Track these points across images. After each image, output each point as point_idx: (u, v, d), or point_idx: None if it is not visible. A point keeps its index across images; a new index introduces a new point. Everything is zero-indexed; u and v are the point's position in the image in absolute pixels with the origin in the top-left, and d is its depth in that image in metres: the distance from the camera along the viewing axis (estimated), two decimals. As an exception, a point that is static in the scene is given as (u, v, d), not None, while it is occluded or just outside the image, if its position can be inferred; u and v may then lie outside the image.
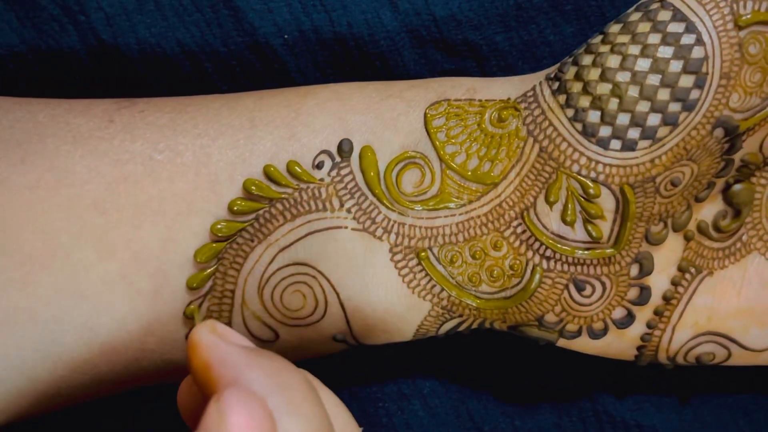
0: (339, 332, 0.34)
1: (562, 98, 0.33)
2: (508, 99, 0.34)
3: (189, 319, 0.33)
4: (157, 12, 0.37)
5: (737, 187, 0.35)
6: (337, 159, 0.33)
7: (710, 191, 0.34)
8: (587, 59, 0.33)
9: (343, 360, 0.39)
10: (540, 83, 0.34)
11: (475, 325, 0.35)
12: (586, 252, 0.33)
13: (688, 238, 0.34)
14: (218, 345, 0.27)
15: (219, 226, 0.33)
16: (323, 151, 0.33)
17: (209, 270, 0.33)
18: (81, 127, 0.34)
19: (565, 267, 0.33)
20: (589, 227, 0.33)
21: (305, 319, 0.34)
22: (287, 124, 0.34)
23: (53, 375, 0.33)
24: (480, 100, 0.34)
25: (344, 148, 0.33)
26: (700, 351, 0.35)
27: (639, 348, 0.35)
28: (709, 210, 0.35)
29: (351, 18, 0.38)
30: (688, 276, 0.35)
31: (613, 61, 0.32)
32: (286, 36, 0.38)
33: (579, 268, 0.33)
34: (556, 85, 0.33)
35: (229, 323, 0.34)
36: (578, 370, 0.41)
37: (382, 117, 0.34)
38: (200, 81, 0.39)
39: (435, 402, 0.41)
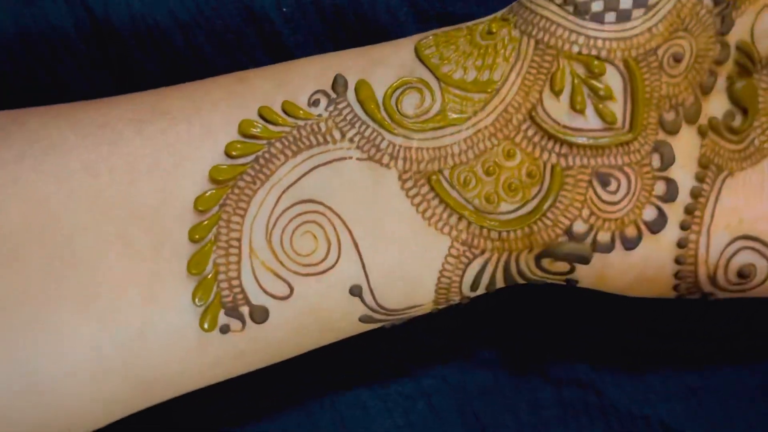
0: (356, 283, 0.32)
1: None
2: (494, 17, 0.34)
3: (193, 277, 0.31)
4: (149, -18, 0.36)
5: (739, 83, 0.34)
6: (333, 95, 0.32)
7: (714, 81, 0.34)
8: None
9: (348, 359, 0.38)
10: None
11: (500, 272, 0.33)
12: (603, 140, 0.32)
13: (702, 133, 0.34)
14: None
15: (218, 170, 0.31)
16: (318, 91, 0.32)
17: (211, 218, 0.31)
18: (64, 108, 0.33)
19: (585, 160, 0.32)
20: (601, 109, 0.32)
21: (319, 264, 0.32)
22: (278, 75, 0.33)
23: (51, 364, 0.31)
24: (467, 26, 0.34)
25: (339, 83, 0.32)
26: (741, 261, 0.34)
27: (677, 260, 0.34)
28: (718, 109, 0.34)
29: (352, -9, 0.37)
30: (710, 174, 0.34)
31: None
32: (284, 9, 0.37)
33: (599, 160, 0.32)
34: None
35: (237, 277, 0.31)
36: (584, 362, 0.40)
37: (372, 58, 0.33)
38: (193, 55, 0.37)
39: (439, 401, 0.40)
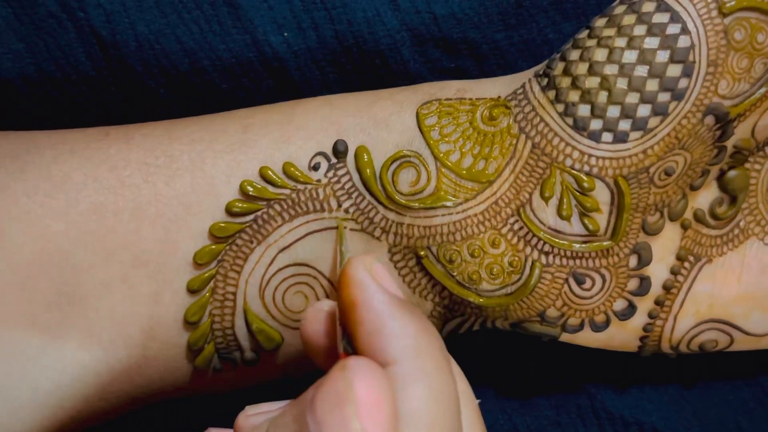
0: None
1: (551, 94, 0.33)
2: (498, 97, 0.34)
3: (190, 325, 0.33)
4: (156, 9, 0.37)
5: (732, 173, 0.35)
6: (333, 160, 0.33)
7: (705, 179, 0.34)
8: (574, 54, 0.33)
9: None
10: (529, 80, 0.34)
11: (476, 326, 0.35)
12: (584, 245, 0.33)
13: (685, 227, 0.35)
14: (369, 287, 0.27)
15: (218, 227, 0.33)
16: (319, 153, 0.33)
17: (209, 272, 0.33)
18: (78, 141, 0.34)
19: (564, 261, 0.33)
20: (586, 221, 0.33)
21: None
22: (281, 128, 0.34)
23: (54, 384, 0.33)
24: (470, 99, 0.34)
25: (339, 149, 0.33)
26: (703, 339, 0.35)
27: (642, 338, 0.35)
28: (705, 197, 0.35)
29: (351, 16, 0.38)
30: (687, 264, 0.35)
31: (600, 54, 0.32)
32: (285, 33, 0.38)
33: (578, 261, 0.33)
34: (545, 81, 0.33)
35: (231, 327, 0.33)
36: (577, 367, 0.41)
37: (375, 118, 0.34)
38: (199, 79, 0.38)
39: None
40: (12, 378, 0.32)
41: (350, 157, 0.33)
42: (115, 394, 0.34)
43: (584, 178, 0.33)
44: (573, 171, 0.33)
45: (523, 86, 0.34)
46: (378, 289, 0.27)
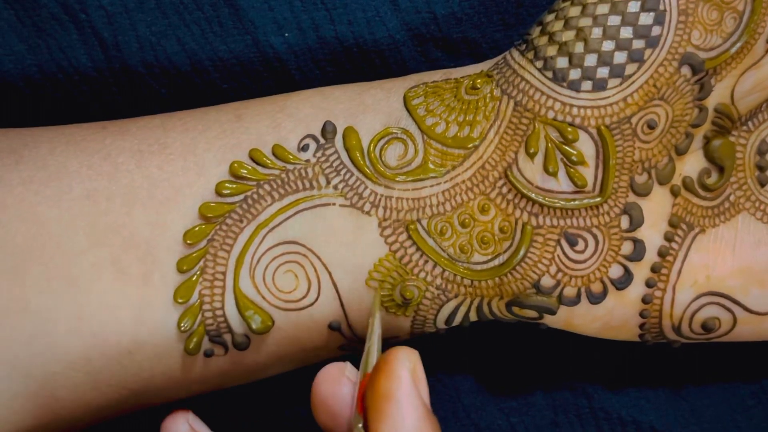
0: (334, 319, 0.34)
1: (530, 54, 0.34)
2: (481, 71, 0.35)
3: (180, 305, 0.33)
4: (157, 10, 0.37)
5: (716, 142, 0.35)
6: (322, 141, 0.34)
7: (689, 142, 0.34)
8: (550, 17, 0.34)
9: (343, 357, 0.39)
10: (509, 51, 0.35)
11: (473, 311, 0.34)
12: (572, 202, 0.33)
13: (674, 193, 0.34)
14: (408, 392, 0.29)
15: (207, 207, 0.33)
16: (308, 135, 0.34)
17: (199, 251, 0.33)
18: (75, 134, 0.35)
19: (554, 221, 0.33)
20: (572, 173, 0.33)
21: (299, 301, 0.33)
22: (272, 116, 0.34)
23: (46, 372, 0.33)
24: (455, 78, 0.35)
25: (328, 129, 0.34)
26: (705, 315, 0.35)
27: (642, 313, 0.35)
28: (693, 167, 0.35)
29: (351, 16, 0.38)
30: (680, 232, 0.34)
31: (575, 11, 0.33)
32: (286, 34, 0.38)
33: (568, 221, 0.33)
34: (523, 46, 0.34)
35: (221, 307, 0.33)
36: (575, 366, 0.41)
37: (364, 103, 0.34)
38: (200, 79, 0.39)
39: (431, 399, 0.40)
40: (4, 366, 0.32)
41: (338, 138, 0.34)
42: (105, 382, 0.34)
43: (568, 128, 0.33)
44: (556, 122, 0.33)
45: (503, 57, 0.35)
46: (417, 395, 0.28)
